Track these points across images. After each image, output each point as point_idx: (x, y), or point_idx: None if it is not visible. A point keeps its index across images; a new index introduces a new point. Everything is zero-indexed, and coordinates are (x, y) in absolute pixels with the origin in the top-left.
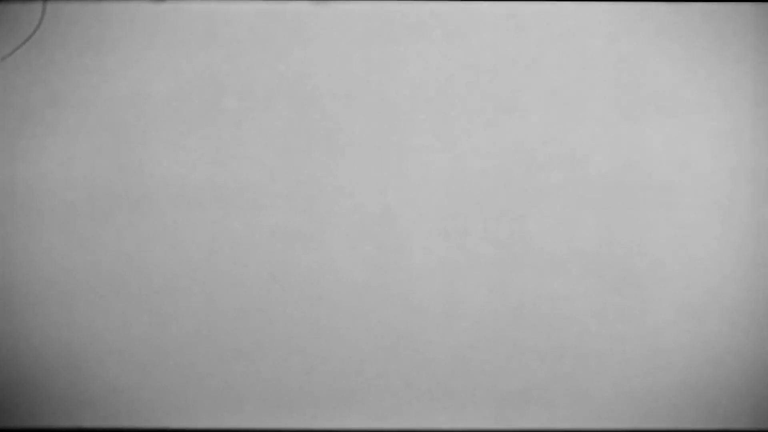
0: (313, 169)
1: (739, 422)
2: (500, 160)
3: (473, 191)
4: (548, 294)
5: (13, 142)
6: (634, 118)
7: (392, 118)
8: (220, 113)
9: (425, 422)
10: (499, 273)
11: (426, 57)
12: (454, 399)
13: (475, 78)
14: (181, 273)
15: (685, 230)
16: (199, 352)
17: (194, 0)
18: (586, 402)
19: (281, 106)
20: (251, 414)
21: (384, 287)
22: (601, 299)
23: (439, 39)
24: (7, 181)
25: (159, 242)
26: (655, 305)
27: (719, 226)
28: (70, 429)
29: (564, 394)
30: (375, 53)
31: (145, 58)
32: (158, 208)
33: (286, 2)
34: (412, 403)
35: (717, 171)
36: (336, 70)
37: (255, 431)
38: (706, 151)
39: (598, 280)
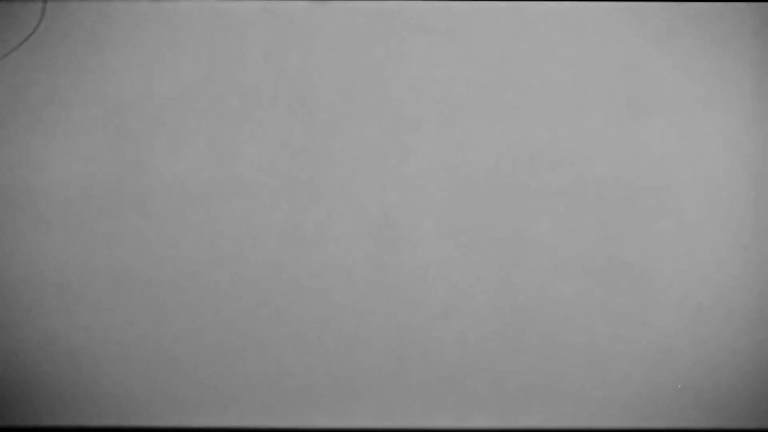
0: (315, 167)
1: (741, 422)
2: (503, 160)
3: (476, 191)
4: (551, 294)
5: (14, 141)
6: (636, 118)
7: (394, 118)
8: (222, 112)
9: (427, 421)
10: (502, 273)
11: (428, 56)
12: (456, 398)
13: (477, 77)
14: (183, 272)
15: (688, 230)
16: (200, 351)
17: None
18: (589, 401)
19: (283, 105)
20: (252, 413)
21: (385, 287)
22: (603, 299)
23: (440, 38)
24: (8, 181)
25: (160, 241)
26: (657, 305)
27: (722, 226)
28: (70, 428)
29: (566, 394)
30: (377, 52)
31: (146, 58)
32: (160, 207)
33: (287, 1)
34: (414, 403)
35: (720, 171)
36: (338, 68)
37: (256, 430)
38: (709, 150)
39: (600, 280)
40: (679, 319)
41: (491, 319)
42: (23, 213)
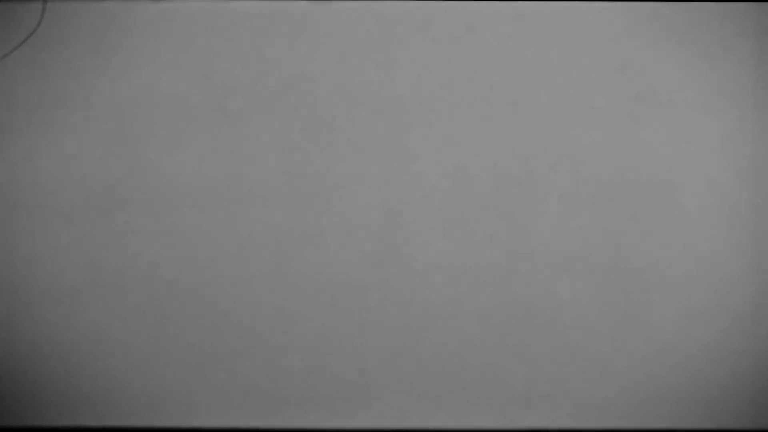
0: (316, 167)
1: (740, 422)
2: (503, 160)
3: (476, 191)
4: (551, 294)
5: (15, 141)
6: (637, 118)
7: (395, 118)
8: (223, 112)
9: (427, 422)
10: (502, 273)
11: (428, 56)
12: (456, 399)
13: (478, 78)
14: (184, 271)
15: (689, 230)
16: (201, 350)
17: None
18: (589, 402)
19: (284, 105)
20: (253, 413)
21: (387, 287)
22: (604, 299)
23: (441, 38)
24: (9, 180)
25: (161, 241)
26: (658, 305)
27: (722, 226)
28: (70, 428)
29: (567, 394)
30: (378, 52)
31: (147, 58)
32: (161, 207)
33: (289, 1)
34: (415, 403)
35: (720, 171)
36: (339, 69)
37: (257, 430)
38: (709, 150)
39: (601, 281)
40: (679, 319)
41: (491, 319)
42: (23, 213)
